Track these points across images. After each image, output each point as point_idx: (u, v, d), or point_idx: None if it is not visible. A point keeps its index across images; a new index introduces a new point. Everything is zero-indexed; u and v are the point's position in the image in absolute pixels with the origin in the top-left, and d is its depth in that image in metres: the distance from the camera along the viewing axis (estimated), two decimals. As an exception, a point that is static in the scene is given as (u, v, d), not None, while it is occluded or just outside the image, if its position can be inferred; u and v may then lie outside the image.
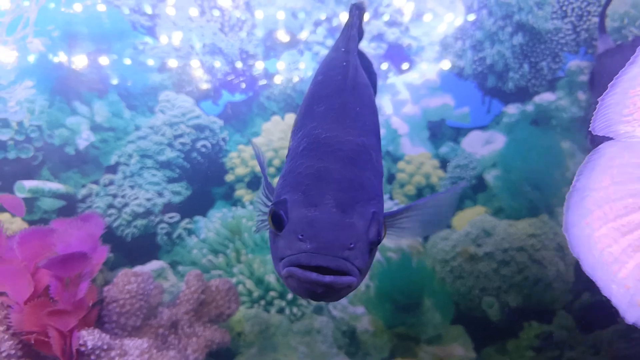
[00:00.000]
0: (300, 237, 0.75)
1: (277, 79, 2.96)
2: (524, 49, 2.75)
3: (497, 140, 2.80)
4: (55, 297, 1.62)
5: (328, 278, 0.73)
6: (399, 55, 2.86)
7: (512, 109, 2.81)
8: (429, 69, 2.84)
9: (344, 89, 1.01)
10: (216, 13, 2.95)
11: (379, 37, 2.83)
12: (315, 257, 0.73)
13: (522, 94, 2.83)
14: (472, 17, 2.76)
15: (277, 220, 0.80)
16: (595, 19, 2.70)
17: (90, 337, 1.66)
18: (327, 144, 0.89)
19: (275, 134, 2.90)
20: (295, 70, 2.91)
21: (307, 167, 0.87)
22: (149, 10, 2.98)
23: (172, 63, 3.06)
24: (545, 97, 2.73)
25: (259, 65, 2.98)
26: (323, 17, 2.87)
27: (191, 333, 1.97)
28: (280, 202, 0.81)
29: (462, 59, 2.79)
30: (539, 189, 2.71)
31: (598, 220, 1.06)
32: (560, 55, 2.78)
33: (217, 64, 2.97)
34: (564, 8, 2.71)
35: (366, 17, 2.93)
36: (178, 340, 1.97)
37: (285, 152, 3.02)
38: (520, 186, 2.74)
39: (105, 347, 1.70)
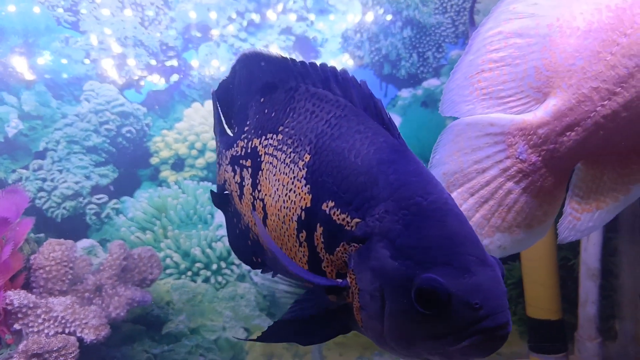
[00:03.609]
0: (477, 305, 0.72)
1: (196, 69, 3.24)
2: (413, 41, 3.18)
3: (394, 121, 3.19)
4: (-21, 259, 1.83)
5: (508, 329, 0.74)
6: (306, 47, 3.20)
7: (405, 93, 3.23)
8: (333, 58, 3.20)
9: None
10: (136, 8, 3.18)
11: (287, 31, 3.16)
12: (497, 318, 0.72)
13: (413, 80, 3.26)
14: (367, 13, 3.15)
15: (433, 299, 0.73)
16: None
17: (16, 297, 1.90)
18: (429, 207, 0.81)
19: (196, 119, 3.18)
20: (212, 61, 3.19)
21: (426, 237, 0.79)
22: (71, 6, 3.17)
23: (96, 55, 3.26)
24: (432, 83, 3.16)
25: (179, 57, 3.24)
26: (236, 13, 3.16)
27: (114, 294, 2.23)
28: (428, 279, 0.73)
29: (361, 49, 3.18)
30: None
31: (452, 185, 1.29)
32: (443, 46, 3.23)
33: (138, 55, 3.20)
34: (444, 5, 3.15)
35: (273, 16, 3.24)
36: (102, 300, 2.22)
37: (206, 135, 3.30)
38: (414, 160, 3.13)
39: (31, 305, 1.95)
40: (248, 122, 1.15)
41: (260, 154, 1.07)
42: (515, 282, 2.69)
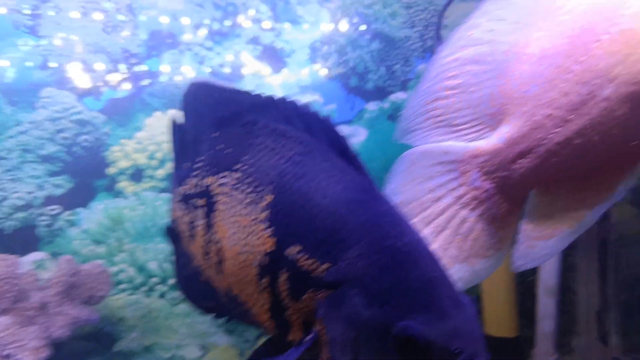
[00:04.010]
0: (457, 350, 0.70)
1: (159, 77, 3.15)
2: (381, 54, 3.16)
3: (360, 134, 3.18)
4: None
5: None
6: (274, 57, 3.15)
7: (372, 106, 3.20)
8: (301, 69, 3.16)
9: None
10: (99, 14, 3.08)
11: (254, 40, 3.11)
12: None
13: (380, 93, 3.24)
14: (336, 25, 3.13)
15: (413, 347, 0.71)
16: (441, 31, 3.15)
17: (-50, 315, 1.76)
18: (403, 250, 0.77)
19: (158, 128, 3.08)
20: (176, 69, 3.11)
21: (402, 281, 0.75)
22: (28, 10, 3.06)
23: (55, 61, 3.14)
24: (399, 96, 3.14)
25: (142, 64, 3.15)
26: (203, 20, 3.10)
27: (59, 312, 2.11)
28: (407, 327, 0.70)
29: (329, 61, 3.15)
30: (396, 176, 3.11)
31: (408, 216, 1.18)
32: (410, 59, 3.22)
33: (100, 62, 3.10)
34: (413, 19, 3.15)
35: (245, 22, 3.19)
36: (45, 319, 2.10)
37: (168, 145, 3.19)
38: (381, 173, 3.10)
39: (-33, 325, 1.81)
40: (201, 158, 1.04)
41: (214, 193, 0.98)
42: (475, 299, 2.67)
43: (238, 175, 0.92)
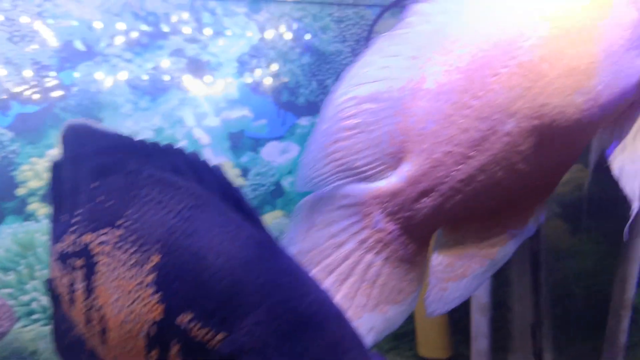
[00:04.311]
0: None
1: (74, 91, 2.95)
2: (312, 68, 3.10)
3: (292, 150, 3.11)
4: None
5: None
6: (199, 70, 3.02)
7: (304, 122, 3.14)
8: (228, 83, 3.04)
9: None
10: (5, 22, 2.84)
11: (178, 52, 2.96)
12: None
13: (313, 108, 3.17)
14: (265, 37, 3.04)
15: None
16: (369, 44, 3.13)
17: None
18: (307, 312, 0.72)
19: (74, 145, 2.88)
20: (92, 82, 2.92)
21: (307, 349, 0.70)
22: None
23: (-44, 71, 2.87)
24: (331, 111, 3.09)
25: (53, 76, 2.94)
26: (121, 30, 2.92)
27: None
28: None
29: (258, 75, 3.06)
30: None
31: (308, 265, 1.18)
32: (342, 74, 3.15)
33: (7, 74, 2.86)
34: (344, 33, 3.11)
35: (168, 32, 3.04)
36: None
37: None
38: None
39: None
40: (78, 212, 0.93)
41: (94, 252, 0.87)
42: (408, 320, 2.66)
43: (120, 232, 0.82)
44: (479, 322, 2.50)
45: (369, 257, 1.16)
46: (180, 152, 0.81)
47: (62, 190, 1.01)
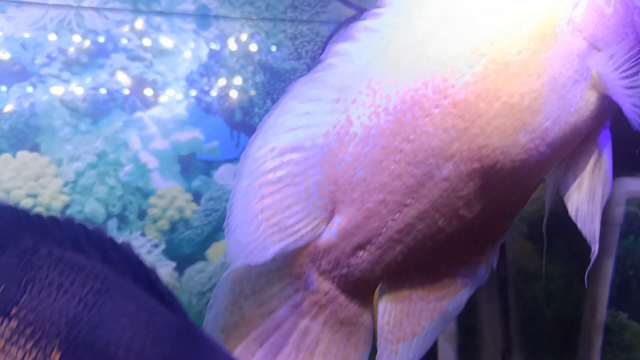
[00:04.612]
0: None
1: (7, 114, 2.73)
2: (266, 87, 2.97)
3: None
4: None
5: None
6: (144, 90, 2.84)
7: (260, 142, 2.99)
8: (177, 103, 2.88)
9: None
10: None
11: (121, 71, 2.79)
12: None
13: (268, 128, 3.03)
14: (215, 55, 2.91)
15: None
16: (326, 61, 3.03)
17: None
18: None
19: (6, 173, 2.66)
20: (27, 105, 2.71)
21: None
22: None
23: None
24: (287, 131, 2.95)
25: (-18, 99, 2.71)
26: (57, 49, 2.74)
27: None
28: None
29: (209, 94, 2.91)
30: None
31: (233, 339, 1.08)
32: (299, 92, 3.04)
33: None
34: (299, 50, 2.99)
35: (110, 51, 2.88)
36: None
37: (18, 192, 2.78)
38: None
39: None
40: None
41: None
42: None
43: (14, 323, 0.70)
44: (446, 351, 2.38)
45: (304, 323, 1.06)
46: (83, 227, 0.72)
47: None
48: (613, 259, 2.04)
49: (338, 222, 1.06)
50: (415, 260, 1.08)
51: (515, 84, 0.94)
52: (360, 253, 1.06)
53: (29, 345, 0.68)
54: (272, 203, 1.05)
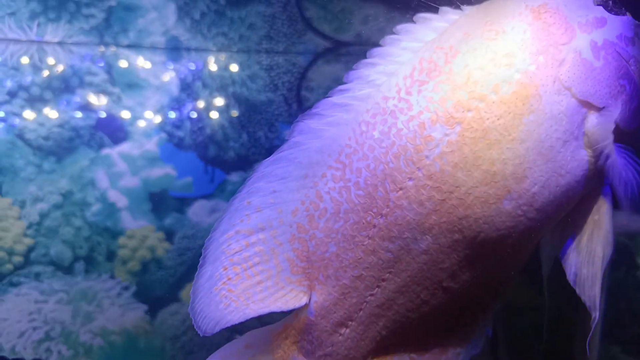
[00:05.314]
0: None
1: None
2: (242, 120, 2.88)
3: (223, 208, 2.84)
4: None
5: None
6: (112, 125, 2.73)
7: (235, 177, 2.91)
8: (147, 139, 2.77)
9: None
10: None
11: (87, 107, 2.67)
12: None
13: (244, 162, 2.94)
14: (187, 89, 2.80)
15: None
16: (303, 93, 2.94)
17: None
18: None
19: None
20: (-13, 144, 2.57)
21: None
22: None
23: None
24: (264, 165, 2.86)
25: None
26: (18, 86, 2.62)
27: None
28: None
29: (181, 129, 2.81)
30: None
31: None
32: (275, 125, 2.96)
33: None
34: (275, 82, 2.91)
35: (74, 86, 2.77)
36: None
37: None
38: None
39: None
40: None
41: None
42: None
43: None
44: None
45: None
46: None
47: None
48: (604, 291, 1.98)
49: (315, 300, 1.02)
50: (402, 333, 1.04)
51: (496, 150, 0.89)
52: (342, 330, 1.02)
53: None
54: (240, 282, 1.03)
